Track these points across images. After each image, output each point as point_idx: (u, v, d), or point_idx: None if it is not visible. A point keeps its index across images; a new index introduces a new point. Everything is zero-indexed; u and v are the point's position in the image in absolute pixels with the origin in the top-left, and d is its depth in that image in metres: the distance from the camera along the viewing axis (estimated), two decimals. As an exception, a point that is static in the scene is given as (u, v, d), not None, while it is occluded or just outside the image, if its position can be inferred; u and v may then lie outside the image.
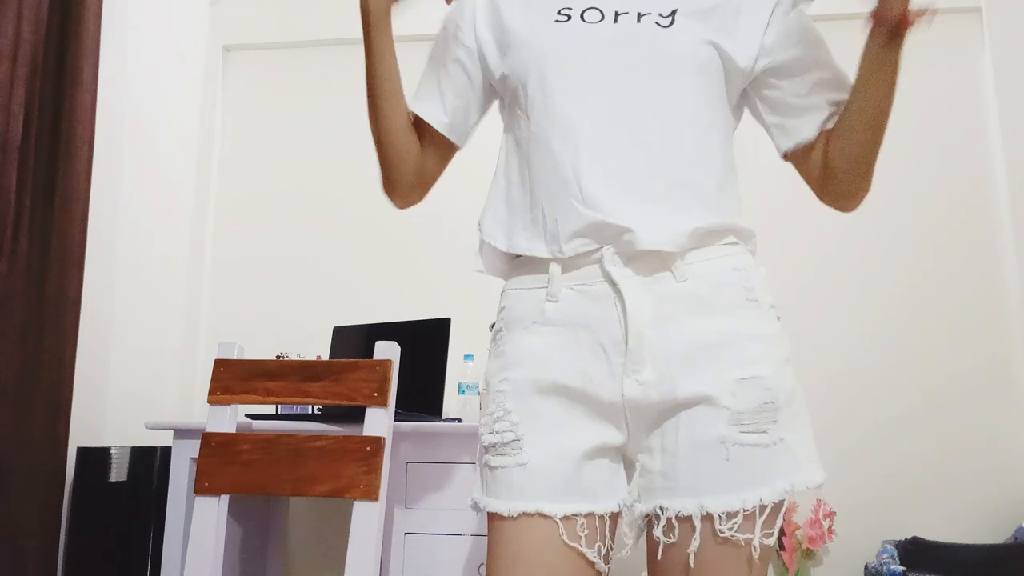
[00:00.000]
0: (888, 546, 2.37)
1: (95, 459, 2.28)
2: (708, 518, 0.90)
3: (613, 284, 0.95)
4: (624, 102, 0.99)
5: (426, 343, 2.28)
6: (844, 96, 1.03)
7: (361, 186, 3.04)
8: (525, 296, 1.01)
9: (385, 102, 1.10)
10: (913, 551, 2.35)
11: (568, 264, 0.97)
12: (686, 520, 0.91)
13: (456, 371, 2.51)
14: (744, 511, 0.89)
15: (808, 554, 2.51)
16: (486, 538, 2.08)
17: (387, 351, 1.54)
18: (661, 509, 0.93)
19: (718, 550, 0.90)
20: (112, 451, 2.29)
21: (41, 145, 2.23)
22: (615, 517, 0.98)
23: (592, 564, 0.94)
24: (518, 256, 1.04)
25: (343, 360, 1.55)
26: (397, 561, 2.03)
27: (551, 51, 1.02)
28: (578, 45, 1.02)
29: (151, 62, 2.84)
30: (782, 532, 2.52)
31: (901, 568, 2.18)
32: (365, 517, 1.42)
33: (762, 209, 2.81)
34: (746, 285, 0.97)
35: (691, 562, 0.91)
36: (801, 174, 1.10)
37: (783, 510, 0.92)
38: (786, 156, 1.09)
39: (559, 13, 1.05)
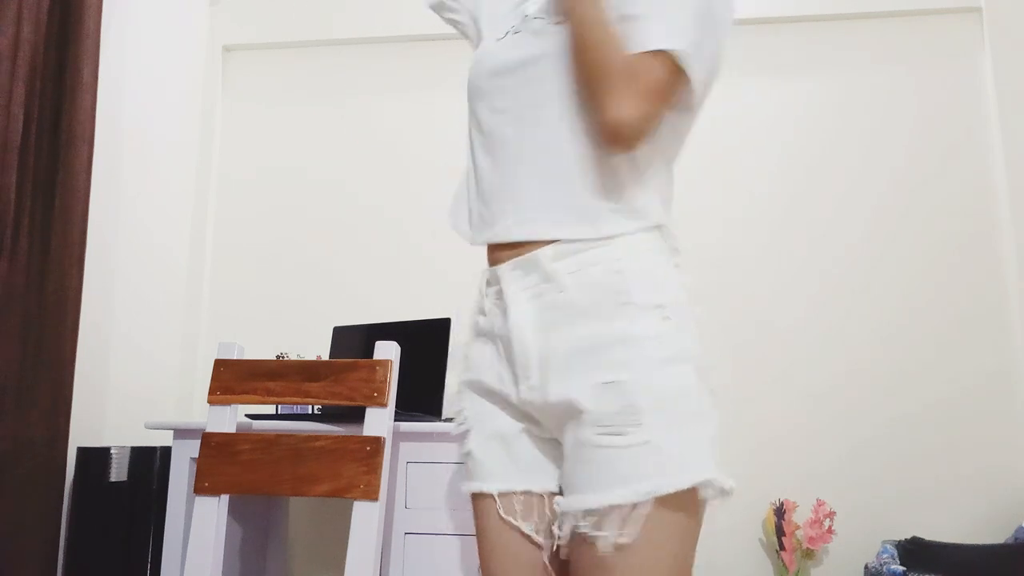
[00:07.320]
0: (888, 546, 2.37)
1: (95, 459, 2.28)
2: (573, 516, 0.94)
3: (504, 298, 1.03)
4: (507, 106, 1.07)
5: (426, 343, 2.28)
6: None
7: (361, 186, 3.04)
8: (472, 311, 1.13)
9: None
10: (913, 551, 2.35)
11: (492, 279, 1.08)
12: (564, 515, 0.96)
13: (456, 371, 2.51)
14: (600, 510, 0.91)
15: (808, 554, 2.51)
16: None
17: (387, 351, 1.54)
18: (557, 505, 0.98)
19: (579, 546, 0.94)
20: (112, 451, 2.29)
21: (41, 145, 2.23)
22: (553, 497, 1.03)
23: (528, 537, 1.01)
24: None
25: (343, 360, 1.55)
26: (397, 561, 2.03)
27: (476, 68, 1.13)
28: (489, 61, 1.11)
29: (151, 62, 2.84)
30: (782, 532, 2.52)
31: (901, 568, 2.18)
32: (365, 517, 1.42)
33: (762, 214, 2.81)
34: (619, 289, 0.97)
35: (561, 554, 0.98)
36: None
37: (647, 511, 0.90)
38: None
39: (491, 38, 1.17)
